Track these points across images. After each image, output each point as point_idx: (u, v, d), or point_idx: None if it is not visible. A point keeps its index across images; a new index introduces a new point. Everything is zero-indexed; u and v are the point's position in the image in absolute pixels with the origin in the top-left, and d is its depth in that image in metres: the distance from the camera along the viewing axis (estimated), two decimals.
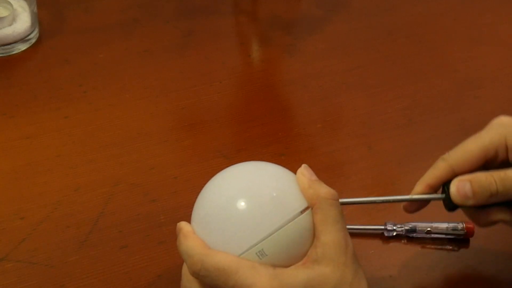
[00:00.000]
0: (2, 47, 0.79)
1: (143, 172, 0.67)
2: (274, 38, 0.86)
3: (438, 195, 0.52)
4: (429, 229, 0.61)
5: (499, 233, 0.62)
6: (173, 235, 0.61)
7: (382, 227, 0.62)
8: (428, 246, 0.61)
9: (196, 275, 0.45)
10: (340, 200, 0.48)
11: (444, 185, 0.52)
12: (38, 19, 0.82)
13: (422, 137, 0.73)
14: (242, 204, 0.46)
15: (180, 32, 0.85)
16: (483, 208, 0.52)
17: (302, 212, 0.47)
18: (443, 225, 0.61)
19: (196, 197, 0.65)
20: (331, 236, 0.45)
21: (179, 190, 0.65)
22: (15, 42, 0.80)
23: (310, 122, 0.74)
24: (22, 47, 0.81)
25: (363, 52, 0.84)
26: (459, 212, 0.62)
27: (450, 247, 0.61)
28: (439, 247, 0.61)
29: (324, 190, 0.47)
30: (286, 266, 0.46)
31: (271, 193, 0.47)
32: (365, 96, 0.78)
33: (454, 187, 0.51)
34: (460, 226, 0.61)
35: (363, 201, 0.54)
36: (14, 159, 0.68)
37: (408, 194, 0.54)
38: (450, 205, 0.51)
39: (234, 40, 0.87)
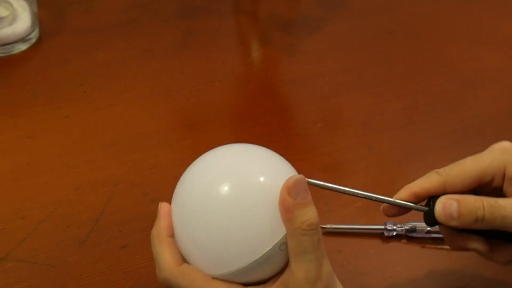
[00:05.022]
0: (2, 47, 0.79)
1: (143, 172, 0.67)
2: (274, 38, 0.86)
3: (422, 207, 0.50)
4: (429, 229, 0.61)
5: None
6: None
7: (382, 227, 0.62)
8: (428, 246, 0.61)
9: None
10: (314, 181, 0.45)
11: (430, 199, 0.50)
12: (38, 19, 0.82)
13: (422, 137, 0.73)
14: (226, 226, 0.43)
15: (180, 32, 0.85)
16: (461, 232, 0.50)
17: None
18: None
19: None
20: (300, 268, 0.43)
21: None
22: (15, 42, 0.80)
23: (310, 122, 0.74)
24: (22, 47, 0.81)
25: (363, 52, 0.84)
26: None
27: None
28: (439, 247, 0.61)
29: (302, 218, 0.43)
30: (261, 281, 0.45)
31: (256, 217, 0.43)
32: (365, 96, 0.78)
33: (440, 204, 0.48)
34: None
35: (346, 191, 0.48)
36: (14, 159, 0.68)
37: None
38: (432, 220, 0.49)
39: (234, 40, 0.87)
